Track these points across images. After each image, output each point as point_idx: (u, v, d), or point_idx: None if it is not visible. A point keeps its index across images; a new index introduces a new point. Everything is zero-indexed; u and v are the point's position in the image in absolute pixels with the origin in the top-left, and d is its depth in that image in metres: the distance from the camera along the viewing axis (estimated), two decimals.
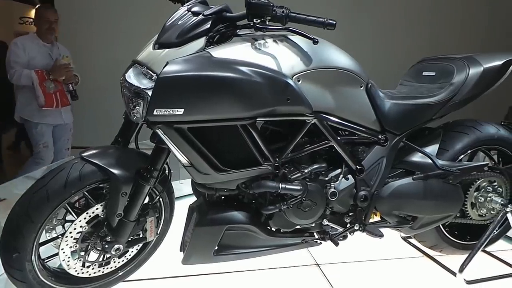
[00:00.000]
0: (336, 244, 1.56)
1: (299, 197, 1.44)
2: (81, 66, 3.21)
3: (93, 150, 1.39)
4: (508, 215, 1.69)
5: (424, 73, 1.75)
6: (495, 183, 1.75)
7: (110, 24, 4.31)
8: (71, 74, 2.82)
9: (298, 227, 1.56)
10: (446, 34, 4.95)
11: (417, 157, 1.63)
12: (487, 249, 1.96)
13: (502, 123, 1.90)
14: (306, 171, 1.45)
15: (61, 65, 2.74)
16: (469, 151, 1.72)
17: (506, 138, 1.76)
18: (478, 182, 1.73)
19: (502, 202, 1.70)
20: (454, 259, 1.76)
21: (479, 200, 1.74)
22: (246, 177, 1.41)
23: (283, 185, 1.40)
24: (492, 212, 1.75)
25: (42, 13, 2.85)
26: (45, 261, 1.42)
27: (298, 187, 1.43)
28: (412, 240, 2.03)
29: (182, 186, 2.36)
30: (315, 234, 1.60)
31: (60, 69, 2.73)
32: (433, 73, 1.71)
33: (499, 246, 2.02)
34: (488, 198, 1.73)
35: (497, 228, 1.84)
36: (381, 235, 1.55)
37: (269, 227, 1.54)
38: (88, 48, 4.16)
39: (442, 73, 1.67)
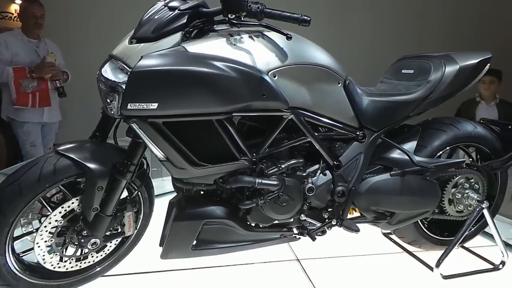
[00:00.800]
0: (313, 239, 1.57)
1: (276, 192, 1.45)
2: (72, 62, 3.10)
3: (68, 144, 1.39)
4: (484, 211, 1.72)
5: (403, 71, 1.77)
6: (472, 180, 1.77)
7: (102, 18, 4.22)
8: (57, 71, 2.74)
9: (276, 222, 1.57)
10: (434, 32, 4.98)
11: (394, 154, 1.65)
12: (466, 245, 1.99)
13: (481, 121, 1.93)
14: (283, 166, 1.46)
15: (44, 63, 2.65)
16: (447, 148, 1.75)
17: (483, 136, 1.79)
18: (456, 179, 1.75)
19: (478, 199, 1.72)
20: (433, 255, 1.78)
21: (457, 196, 1.76)
22: (223, 172, 1.41)
23: (260, 180, 1.41)
24: (469, 208, 1.77)
25: (27, 8, 2.78)
26: (21, 255, 1.41)
27: (275, 182, 1.43)
28: (393, 236, 2.05)
29: (165, 183, 2.36)
30: (293, 229, 1.61)
31: (43, 67, 2.64)
32: (411, 71, 1.73)
33: (478, 242, 2.05)
34: (465, 195, 1.75)
35: (473, 224, 1.87)
36: (357, 230, 1.57)
37: (247, 222, 1.54)
38: (79, 43, 4.03)
39: (420, 71, 1.69)
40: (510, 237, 2.15)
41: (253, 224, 1.56)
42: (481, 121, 1.93)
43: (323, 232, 1.63)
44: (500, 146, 1.83)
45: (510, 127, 1.85)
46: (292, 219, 1.58)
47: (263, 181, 1.41)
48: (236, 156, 1.40)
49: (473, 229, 1.91)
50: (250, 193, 1.48)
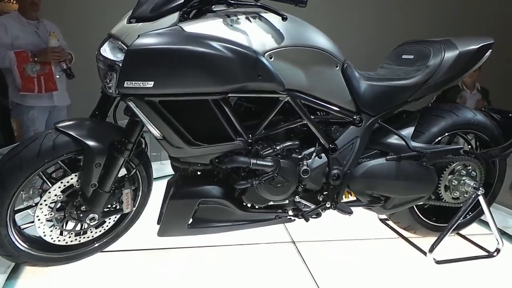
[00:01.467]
0: (307, 220, 1.60)
1: (271, 173, 1.47)
2: (73, 43, 3.00)
3: (68, 121, 1.42)
4: (480, 198, 1.72)
5: (403, 56, 1.76)
6: (470, 167, 1.77)
7: None
8: (62, 53, 2.63)
9: (271, 203, 1.60)
10: (439, 17, 4.86)
11: (391, 139, 1.65)
12: (464, 233, 2.00)
13: (483, 109, 1.92)
14: (278, 148, 1.47)
15: (47, 49, 2.55)
16: (445, 135, 1.74)
17: (483, 123, 1.78)
18: (453, 166, 1.75)
19: (474, 185, 1.72)
20: (429, 241, 1.79)
21: (453, 183, 1.76)
22: (219, 152, 1.44)
23: (255, 161, 1.43)
24: (465, 195, 1.78)
25: None
26: (22, 228, 1.46)
27: (270, 163, 1.45)
28: (389, 222, 2.06)
29: (164, 167, 2.40)
30: (288, 210, 1.63)
31: (46, 52, 2.54)
32: (411, 56, 1.72)
33: (475, 230, 2.05)
34: (462, 181, 1.75)
35: (470, 212, 1.89)
36: (350, 212, 1.59)
37: (243, 202, 1.57)
38: (79, 24, 3.79)
39: (419, 56, 1.67)
40: (507, 226, 2.15)
41: (248, 205, 1.59)
42: (483, 109, 1.91)
43: (318, 215, 1.65)
44: (500, 134, 1.82)
45: (510, 115, 1.84)
46: (287, 201, 1.60)
47: (258, 162, 1.43)
48: (231, 137, 1.42)
49: (469, 217, 1.91)
50: (246, 173, 1.50)
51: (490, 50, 1.67)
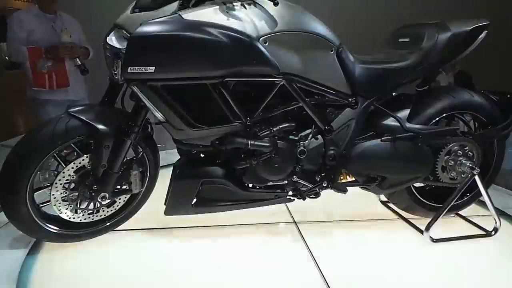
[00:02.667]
0: (304, 198, 1.67)
1: (268, 153, 1.55)
2: (95, 36, 2.72)
3: (79, 106, 1.53)
4: (476, 178, 1.75)
5: (400, 40, 1.80)
6: (467, 148, 1.80)
7: None
8: (73, 50, 2.58)
9: (271, 183, 1.67)
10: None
11: (386, 120, 1.70)
12: (464, 214, 2.03)
13: (483, 91, 1.93)
14: (275, 129, 1.55)
15: (58, 45, 2.52)
16: (442, 116, 1.77)
17: (480, 104, 1.80)
18: (450, 146, 1.78)
19: (470, 165, 1.76)
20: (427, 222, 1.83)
21: (449, 163, 1.79)
22: (219, 134, 1.52)
23: (253, 142, 1.51)
24: (462, 175, 1.81)
25: None
26: (40, 206, 1.59)
27: (267, 144, 1.53)
28: (390, 205, 2.11)
29: (169, 156, 2.48)
30: (287, 190, 1.71)
31: (56, 48, 2.51)
32: (407, 39, 1.76)
33: (476, 211, 2.08)
34: (458, 162, 1.79)
35: (469, 192, 1.92)
36: (345, 191, 1.66)
37: (243, 183, 1.65)
38: (98, 18, 3.72)
39: (414, 38, 1.71)
40: (507, 206, 2.17)
41: (249, 185, 1.67)
42: (483, 91, 1.93)
43: (316, 194, 1.72)
44: (498, 115, 1.84)
45: (508, 96, 1.86)
46: (286, 181, 1.68)
47: (256, 143, 1.51)
48: (230, 119, 1.50)
49: (468, 197, 1.94)
50: (245, 154, 1.58)
51: (486, 31, 1.69)
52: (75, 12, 2.87)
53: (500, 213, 2.11)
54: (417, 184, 2.00)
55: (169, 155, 2.51)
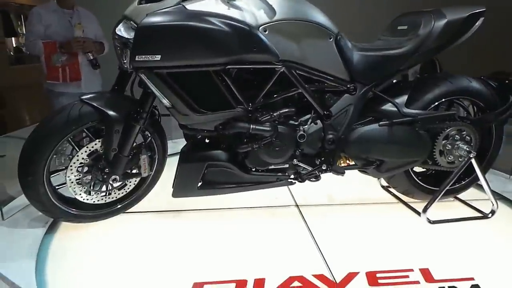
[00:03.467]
0: (304, 181, 1.75)
1: (269, 137, 1.63)
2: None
3: (91, 94, 1.63)
4: (472, 161, 1.80)
5: (398, 27, 1.85)
6: (464, 132, 1.84)
7: None
8: (86, 45, 2.64)
9: (273, 167, 1.75)
10: None
11: (384, 106, 1.76)
12: (464, 198, 2.08)
13: (482, 77, 1.97)
14: (275, 114, 1.62)
15: (70, 40, 2.59)
16: (440, 101, 1.82)
17: (478, 90, 1.85)
18: (447, 131, 1.83)
19: (467, 149, 1.80)
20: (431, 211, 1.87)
21: (447, 147, 1.84)
22: (222, 119, 1.61)
23: (254, 126, 1.59)
24: (460, 159, 1.86)
25: None
26: (57, 188, 1.70)
27: (268, 128, 1.61)
28: (391, 190, 2.17)
29: (175, 145, 2.57)
30: (288, 173, 1.78)
31: (69, 43, 2.58)
32: (405, 27, 1.80)
33: (475, 196, 2.11)
34: (456, 146, 1.83)
35: (467, 176, 1.97)
36: (342, 173, 1.73)
37: (246, 166, 1.74)
38: (118, 11, 3.87)
39: (412, 26, 1.76)
40: (506, 190, 2.21)
41: (251, 168, 1.75)
42: (482, 77, 1.97)
43: (316, 177, 1.80)
44: (496, 100, 1.88)
45: (507, 81, 1.89)
46: (287, 165, 1.75)
47: (257, 127, 1.59)
48: (233, 105, 1.58)
49: (466, 181, 1.99)
50: (247, 138, 1.66)
51: (482, 18, 1.73)
52: (94, 7, 2.92)
53: (500, 197, 2.16)
54: (418, 169, 2.07)
55: (176, 145, 2.61)
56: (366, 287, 1.40)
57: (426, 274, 1.46)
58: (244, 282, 1.41)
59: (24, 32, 2.69)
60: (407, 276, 1.46)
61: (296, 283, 1.41)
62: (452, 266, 1.52)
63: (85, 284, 1.39)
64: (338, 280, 1.43)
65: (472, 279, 1.44)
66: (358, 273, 1.47)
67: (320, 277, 1.44)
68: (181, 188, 1.74)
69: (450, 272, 1.48)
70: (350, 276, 1.45)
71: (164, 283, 1.40)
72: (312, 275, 1.45)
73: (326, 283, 1.41)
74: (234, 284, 1.40)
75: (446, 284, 1.41)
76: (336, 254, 1.59)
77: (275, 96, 1.64)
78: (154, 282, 1.41)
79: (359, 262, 1.54)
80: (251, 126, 1.58)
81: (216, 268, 1.49)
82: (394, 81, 1.91)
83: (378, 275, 1.46)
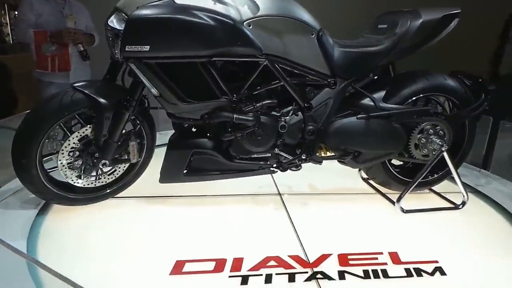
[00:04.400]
0: (285, 170, 1.84)
1: (252, 127, 1.72)
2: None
3: (83, 82, 1.71)
4: (444, 154, 1.90)
5: (379, 26, 1.94)
6: (438, 127, 1.94)
7: None
8: (77, 36, 2.68)
9: (256, 156, 1.85)
10: None
11: (362, 100, 1.86)
12: (439, 191, 2.18)
13: (459, 76, 2.07)
14: (258, 105, 1.71)
15: (61, 30, 2.63)
16: (416, 97, 1.92)
17: (453, 87, 1.95)
18: (422, 125, 1.93)
19: (440, 143, 1.91)
20: (407, 201, 1.96)
21: (422, 141, 1.94)
22: (207, 108, 1.69)
23: (237, 116, 1.68)
24: (434, 152, 1.96)
25: None
26: (49, 171, 1.78)
27: (251, 118, 1.70)
28: (371, 182, 2.26)
29: (162, 136, 2.64)
30: (271, 162, 1.88)
31: (60, 33, 2.61)
32: (385, 26, 1.90)
33: (450, 189, 2.21)
34: (430, 140, 1.94)
35: (441, 169, 2.07)
36: (320, 162, 1.83)
37: (230, 154, 1.83)
38: (111, 4, 3.86)
39: (391, 25, 1.86)
40: (479, 184, 2.32)
41: (235, 156, 1.84)
42: (459, 76, 2.07)
43: (297, 167, 1.89)
44: (470, 98, 1.99)
45: (480, 80, 2.00)
46: (269, 154, 1.85)
47: (240, 116, 1.68)
48: (218, 95, 1.67)
49: (440, 173, 2.09)
50: (231, 128, 1.75)
51: (457, 19, 1.83)
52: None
53: (473, 190, 2.27)
54: (397, 162, 2.17)
55: (163, 136, 2.67)
56: (337, 267, 1.49)
57: (394, 257, 1.57)
58: (224, 260, 1.50)
59: (7, 22, 2.69)
60: (376, 258, 1.56)
61: (272, 263, 1.50)
62: (420, 251, 1.62)
63: (74, 263, 1.47)
64: (311, 261, 1.53)
65: (436, 261, 1.55)
66: (331, 254, 1.57)
67: (295, 258, 1.54)
68: (167, 174, 1.83)
69: (417, 255, 1.59)
70: (323, 257, 1.55)
71: (149, 261, 1.49)
72: (288, 255, 1.55)
73: (299, 263, 1.51)
74: (214, 263, 1.49)
75: (412, 266, 1.51)
76: (312, 238, 1.69)
77: (258, 88, 1.73)
78: (139, 260, 1.49)
79: (333, 245, 1.64)
80: (235, 116, 1.67)
81: (198, 248, 1.58)
82: (376, 77, 2.01)
83: (349, 256, 1.56)
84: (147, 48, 1.49)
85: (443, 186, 2.18)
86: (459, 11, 1.82)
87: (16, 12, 2.71)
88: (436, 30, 1.81)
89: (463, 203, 1.99)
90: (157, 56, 1.53)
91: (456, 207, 2.00)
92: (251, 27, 1.59)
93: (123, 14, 1.55)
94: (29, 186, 1.71)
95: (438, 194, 2.16)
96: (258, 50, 1.61)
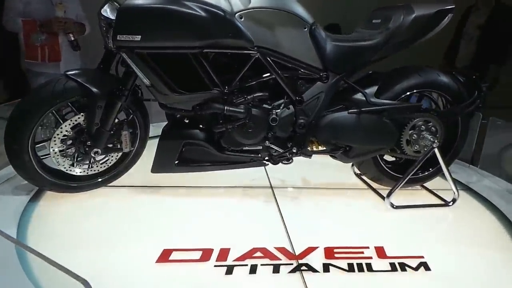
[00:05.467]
0: (276, 163, 1.85)
1: (243, 119, 1.72)
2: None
3: (76, 70, 1.72)
4: (436, 151, 1.90)
5: (373, 21, 1.94)
6: (430, 123, 1.94)
7: None
8: (67, 25, 2.63)
9: (247, 148, 1.85)
10: None
11: (354, 95, 1.86)
12: (431, 187, 2.18)
13: (453, 72, 2.07)
14: (249, 97, 1.72)
15: (51, 18, 2.57)
16: (409, 93, 1.92)
17: (446, 84, 1.94)
18: (414, 121, 1.92)
19: (431, 139, 1.91)
20: (399, 197, 1.97)
21: (413, 137, 1.94)
22: (199, 100, 1.70)
23: (228, 107, 1.69)
24: (425, 148, 1.96)
25: None
26: (41, 158, 1.79)
27: (242, 110, 1.71)
28: (364, 177, 2.26)
29: (154, 128, 2.65)
30: (262, 155, 1.89)
31: (49, 22, 2.55)
32: (379, 20, 1.89)
33: (443, 185, 2.21)
34: (421, 136, 1.94)
35: (433, 165, 2.06)
36: (310, 155, 1.84)
37: (222, 145, 1.84)
38: None
39: (384, 20, 1.85)
40: (470, 181, 2.32)
41: (227, 148, 1.85)
42: (454, 73, 2.07)
43: (288, 160, 1.90)
44: (464, 94, 1.98)
45: (474, 77, 1.99)
46: (260, 146, 1.85)
47: (231, 108, 1.69)
48: (209, 87, 1.68)
49: (432, 170, 2.09)
50: (222, 119, 1.76)
51: (451, 15, 1.82)
52: None
53: (465, 187, 2.27)
54: (390, 158, 2.17)
55: (154, 128, 2.68)
56: (322, 259, 1.51)
57: (380, 251, 1.58)
58: (210, 250, 1.52)
59: None
60: (362, 252, 1.57)
61: (258, 254, 1.52)
62: (406, 246, 1.63)
63: (62, 248, 1.49)
64: (297, 253, 1.54)
65: (422, 257, 1.55)
66: (317, 247, 1.58)
67: (281, 250, 1.55)
68: (159, 164, 1.85)
69: (403, 250, 1.59)
70: (309, 250, 1.56)
71: (136, 248, 1.51)
72: (274, 247, 1.56)
73: (285, 255, 1.52)
74: (200, 252, 1.50)
75: (396, 261, 1.52)
76: (300, 231, 1.70)
77: (250, 80, 1.73)
78: (127, 247, 1.52)
79: (320, 238, 1.65)
80: (226, 108, 1.68)
81: (187, 238, 1.60)
82: (370, 72, 2.01)
83: (335, 250, 1.57)
84: (138, 38, 1.50)
85: (435, 182, 2.18)
86: (452, 7, 1.82)
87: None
88: (429, 25, 1.80)
89: (454, 200, 1.99)
90: (148, 46, 1.54)
91: (446, 204, 2.00)
92: (242, 19, 1.59)
93: (116, 4, 1.56)
94: (21, 172, 1.73)
95: (430, 190, 2.16)
96: (249, 42, 1.61)
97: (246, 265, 1.45)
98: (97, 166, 1.89)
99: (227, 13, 1.55)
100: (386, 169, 2.06)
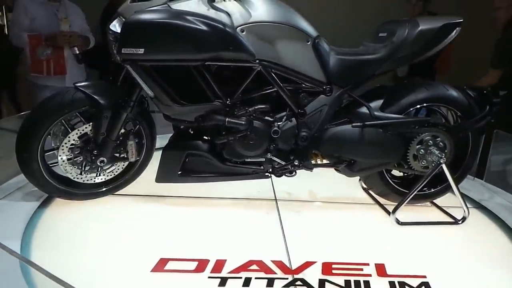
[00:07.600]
0: (279, 176, 1.85)
1: (244, 131, 1.74)
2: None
3: (85, 82, 1.80)
4: (443, 166, 1.84)
5: (380, 34, 1.92)
6: (439, 139, 1.89)
7: None
8: (72, 39, 2.68)
9: (249, 160, 1.86)
10: None
11: (358, 108, 1.84)
12: (442, 204, 2.11)
13: (465, 87, 2.02)
14: (250, 109, 1.74)
15: (56, 33, 2.62)
16: (416, 107, 1.88)
17: (454, 98, 1.89)
18: (422, 136, 1.88)
19: (439, 154, 1.85)
20: (407, 214, 1.92)
21: (420, 152, 1.89)
22: (201, 111, 1.73)
23: (229, 119, 1.71)
24: (433, 164, 1.90)
25: None
26: (50, 165, 1.86)
27: (243, 122, 1.72)
28: (371, 192, 2.22)
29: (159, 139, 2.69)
30: (264, 167, 1.88)
31: (55, 37, 2.61)
32: (385, 34, 1.88)
33: (455, 203, 2.13)
34: (429, 151, 1.88)
35: (443, 182, 2.00)
36: (312, 168, 1.82)
37: (224, 157, 1.85)
38: (101, 5, 3.36)
39: (390, 33, 1.83)
40: (482, 198, 2.23)
41: (229, 160, 1.86)
42: (465, 87, 2.01)
43: (291, 173, 1.89)
44: (474, 109, 1.92)
45: (485, 91, 1.93)
46: (262, 158, 1.86)
47: (232, 120, 1.71)
48: (211, 99, 1.71)
49: (439, 187, 2.02)
50: (224, 131, 1.78)
51: (458, 28, 1.78)
52: (81, 1, 2.93)
53: (477, 205, 2.18)
54: (399, 174, 2.12)
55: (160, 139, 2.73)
56: (318, 275, 1.48)
57: (380, 269, 1.53)
58: (206, 261, 1.52)
59: (4, 24, 2.82)
60: (361, 269, 1.53)
61: (254, 266, 1.50)
62: (409, 264, 1.58)
63: (61, 255, 1.52)
64: (294, 267, 1.51)
65: (424, 276, 1.50)
66: (315, 262, 1.55)
67: (278, 263, 1.53)
68: (163, 174, 1.87)
69: (404, 269, 1.54)
70: (307, 265, 1.53)
71: (134, 257, 1.53)
72: (271, 260, 1.54)
73: (281, 268, 1.50)
74: (196, 263, 1.51)
75: (397, 279, 1.47)
76: (299, 244, 1.68)
77: (252, 92, 1.75)
78: (125, 255, 1.54)
79: (319, 253, 1.62)
80: (227, 119, 1.70)
81: (185, 248, 1.61)
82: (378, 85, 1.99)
83: (333, 265, 1.54)
84: (142, 51, 1.55)
85: (446, 199, 2.11)
86: (460, 20, 1.78)
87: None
88: (434, 39, 1.77)
89: (463, 219, 1.92)
90: (152, 58, 1.58)
91: (455, 222, 1.93)
92: (244, 32, 1.62)
93: (123, 19, 1.62)
94: (31, 179, 1.80)
95: (439, 207, 2.09)
96: (250, 56, 1.63)
97: (241, 277, 1.44)
98: (103, 175, 1.93)
99: (227, 27, 1.58)
100: (393, 184, 2.01)
